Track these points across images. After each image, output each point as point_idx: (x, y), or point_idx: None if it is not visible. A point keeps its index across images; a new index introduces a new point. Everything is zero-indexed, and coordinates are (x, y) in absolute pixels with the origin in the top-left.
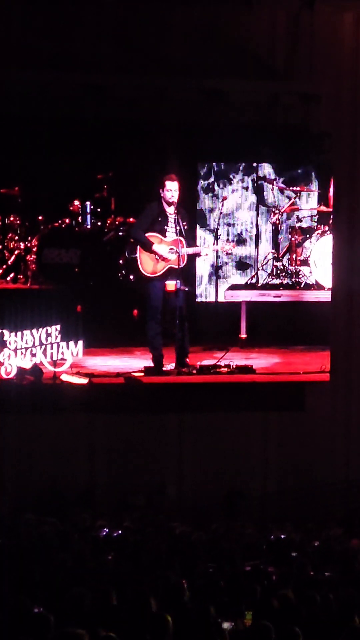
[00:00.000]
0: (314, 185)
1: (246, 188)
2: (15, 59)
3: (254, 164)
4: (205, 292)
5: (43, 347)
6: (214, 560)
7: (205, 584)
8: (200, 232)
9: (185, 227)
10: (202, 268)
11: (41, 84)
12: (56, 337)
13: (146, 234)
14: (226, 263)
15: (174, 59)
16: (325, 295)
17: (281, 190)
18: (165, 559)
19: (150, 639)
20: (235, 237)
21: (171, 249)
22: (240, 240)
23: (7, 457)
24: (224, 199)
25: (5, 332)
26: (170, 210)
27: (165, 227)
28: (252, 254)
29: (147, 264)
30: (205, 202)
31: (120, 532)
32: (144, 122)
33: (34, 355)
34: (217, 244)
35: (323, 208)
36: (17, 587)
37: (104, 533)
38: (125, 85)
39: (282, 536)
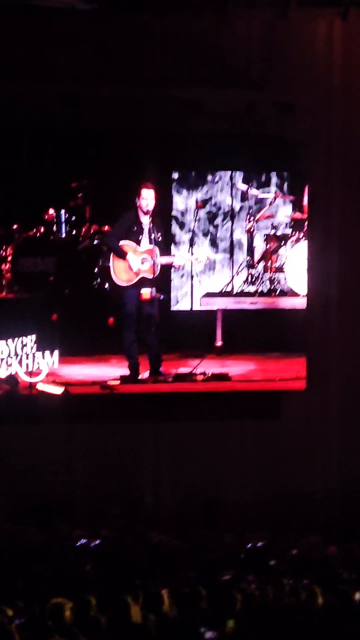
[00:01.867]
0: (286, 191)
1: (221, 195)
2: None
3: (230, 172)
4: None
5: (18, 357)
6: (193, 569)
7: (185, 593)
8: (177, 237)
9: (160, 237)
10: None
11: (16, 93)
12: (32, 347)
13: (120, 243)
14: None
15: (150, 69)
16: (300, 302)
17: (255, 197)
18: (145, 568)
19: None
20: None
21: (144, 258)
22: (214, 246)
23: None
24: (199, 206)
25: None
26: (145, 220)
27: (140, 237)
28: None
29: (120, 273)
30: (179, 209)
31: (98, 541)
32: (119, 132)
33: (9, 365)
34: (191, 253)
35: (298, 215)
36: None
37: (83, 542)
38: (101, 94)
39: (260, 544)
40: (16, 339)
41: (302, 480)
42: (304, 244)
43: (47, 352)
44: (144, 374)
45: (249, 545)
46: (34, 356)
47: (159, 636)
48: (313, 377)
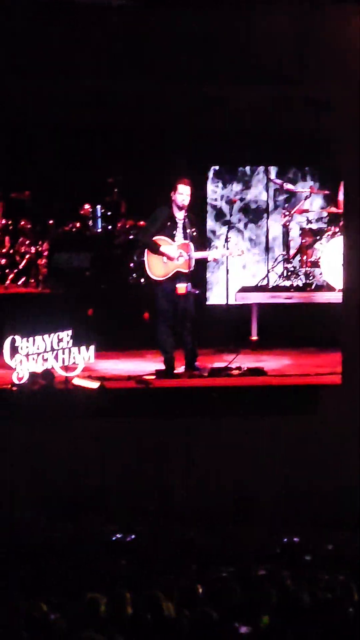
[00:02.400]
0: (321, 186)
1: (256, 190)
2: (26, 65)
3: (264, 167)
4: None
5: (55, 352)
6: (227, 565)
7: (219, 588)
8: (211, 232)
9: (195, 233)
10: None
11: (51, 89)
12: (68, 342)
13: (155, 238)
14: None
15: (184, 65)
16: (336, 297)
17: (290, 192)
18: (178, 563)
19: None
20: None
21: (179, 252)
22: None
23: (19, 462)
24: (234, 202)
25: (17, 337)
26: (180, 215)
27: (174, 232)
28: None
29: (155, 267)
30: (214, 204)
31: (132, 537)
32: (153, 127)
33: (45, 360)
34: (226, 247)
35: (333, 209)
36: (32, 593)
37: (117, 537)
38: (132, 92)
39: (295, 539)
40: (52, 334)
41: (336, 474)
42: (339, 239)
43: (83, 347)
44: (180, 369)
45: (284, 540)
46: (69, 350)
47: (193, 631)
48: (349, 372)
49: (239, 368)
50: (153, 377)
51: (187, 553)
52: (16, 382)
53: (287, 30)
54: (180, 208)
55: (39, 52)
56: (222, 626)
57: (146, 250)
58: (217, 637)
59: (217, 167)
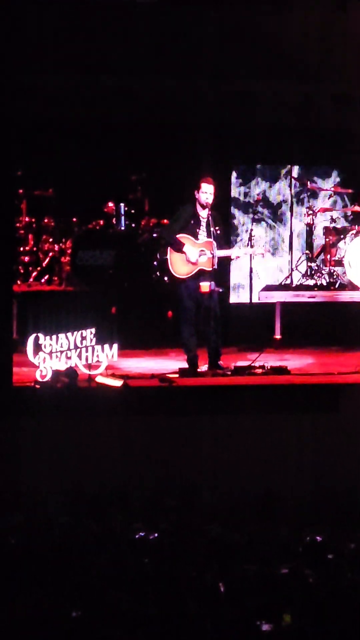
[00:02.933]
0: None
1: (280, 188)
2: (50, 62)
3: (288, 165)
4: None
5: (78, 350)
6: (251, 562)
7: (242, 586)
8: (235, 230)
9: (218, 231)
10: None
11: (74, 87)
12: (91, 340)
13: (178, 236)
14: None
15: (208, 62)
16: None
17: (314, 190)
18: (202, 561)
19: None
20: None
21: (202, 250)
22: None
23: (41, 460)
24: (258, 199)
25: (41, 335)
26: (204, 213)
27: (197, 230)
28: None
29: (177, 266)
30: (238, 202)
31: (156, 535)
32: (177, 124)
33: (69, 358)
34: (250, 246)
35: (357, 208)
36: (54, 591)
37: (140, 535)
38: (157, 88)
39: (318, 538)
40: (75, 332)
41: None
42: None
43: (106, 346)
44: (203, 367)
45: (307, 538)
46: (93, 349)
47: (215, 630)
48: None
49: (262, 367)
50: (176, 375)
51: (211, 551)
52: (39, 379)
53: (312, 27)
54: (203, 206)
55: (63, 49)
56: (244, 624)
57: (169, 248)
58: (239, 636)
59: (241, 165)
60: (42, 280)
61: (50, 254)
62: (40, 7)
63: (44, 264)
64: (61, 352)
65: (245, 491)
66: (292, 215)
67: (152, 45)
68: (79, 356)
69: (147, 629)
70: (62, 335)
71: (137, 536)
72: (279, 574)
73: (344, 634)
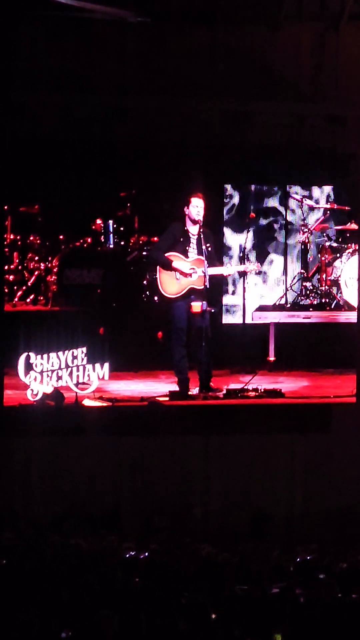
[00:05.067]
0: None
1: (274, 206)
2: (40, 80)
3: (282, 183)
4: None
5: (69, 369)
6: (242, 582)
7: (233, 605)
8: (227, 248)
9: (210, 249)
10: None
11: (65, 105)
12: (82, 359)
13: (167, 254)
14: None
15: (200, 81)
16: (356, 317)
17: (310, 208)
18: (193, 580)
19: None
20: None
21: (192, 268)
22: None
23: (32, 479)
24: (252, 217)
25: (32, 354)
26: (194, 230)
27: (187, 248)
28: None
29: (167, 285)
30: (230, 220)
31: (147, 554)
32: (168, 144)
33: (60, 378)
34: (244, 264)
35: (354, 226)
36: (44, 610)
37: (131, 555)
38: (149, 107)
39: (309, 557)
40: (66, 351)
41: (351, 493)
42: None
43: (97, 365)
44: (194, 390)
45: (298, 558)
46: (84, 368)
47: None
48: None
49: (255, 389)
50: (167, 398)
51: (201, 571)
52: (30, 399)
53: (305, 48)
54: (194, 222)
55: (52, 67)
56: None
57: (158, 267)
58: None
59: (232, 183)
60: (28, 300)
61: (36, 272)
62: (31, 25)
63: (29, 283)
64: (52, 371)
65: (236, 510)
66: (286, 233)
67: (143, 63)
68: (70, 375)
69: None
70: (53, 355)
71: (127, 555)
72: (270, 594)
73: None
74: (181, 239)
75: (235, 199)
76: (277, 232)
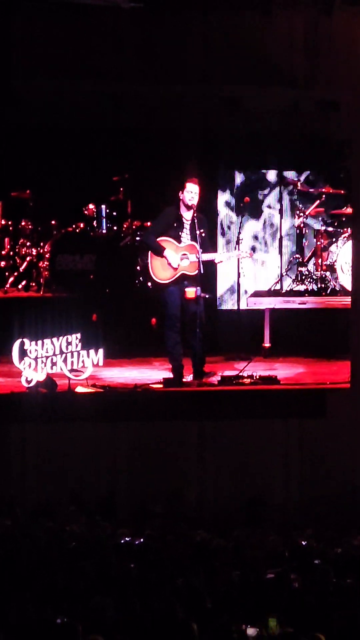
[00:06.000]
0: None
1: (269, 190)
2: (34, 68)
3: (277, 167)
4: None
5: (64, 355)
6: (237, 568)
7: (228, 591)
8: (222, 234)
9: (203, 234)
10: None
11: (59, 92)
12: (76, 345)
13: (159, 239)
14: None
15: (193, 67)
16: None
17: (305, 192)
18: (188, 566)
19: None
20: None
21: (184, 254)
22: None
23: (26, 466)
24: (246, 201)
25: (26, 340)
26: (188, 216)
27: (180, 233)
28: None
29: (158, 270)
30: (224, 205)
31: (141, 540)
32: (162, 129)
33: (54, 364)
34: (238, 249)
35: (350, 210)
36: (39, 597)
37: (126, 541)
38: (143, 93)
39: (304, 543)
40: (61, 337)
41: (346, 478)
42: None
43: (92, 351)
44: (188, 377)
45: (293, 543)
46: (78, 354)
47: (201, 634)
48: (358, 376)
49: (250, 376)
50: (161, 385)
51: (196, 556)
52: (25, 385)
53: (298, 33)
54: (188, 207)
55: (45, 53)
56: (230, 629)
57: (150, 252)
58: (226, 639)
59: (226, 169)
60: (20, 286)
61: (28, 258)
62: (25, 12)
63: (21, 269)
64: (46, 357)
65: (231, 496)
66: (281, 218)
67: (137, 50)
68: (65, 362)
69: (133, 635)
70: (47, 341)
71: (122, 541)
72: (265, 579)
73: (330, 637)
74: (174, 224)
75: (230, 183)
76: (272, 217)
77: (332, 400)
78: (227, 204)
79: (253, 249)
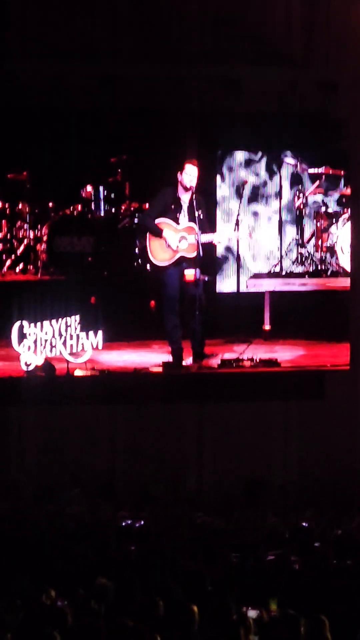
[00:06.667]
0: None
1: (268, 171)
2: (29, 49)
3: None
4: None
5: (63, 338)
6: (237, 550)
7: (228, 573)
8: (221, 215)
9: (202, 216)
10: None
11: (56, 73)
12: (76, 327)
13: (157, 221)
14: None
15: (189, 48)
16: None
17: (305, 172)
18: (188, 548)
19: (176, 629)
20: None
21: (182, 236)
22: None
23: (27, 449)
24: (245, 182)
25: (25, 323)
26: (186, 198)
27: (178, 215)
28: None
29: (157, 252)
30: (223, 186)
31: (141, 522)
32: (159, 111)
33: (53, 347)
34: (237, 230)
35: (349, 191)
36: (40, 579)
37: (126, 524)
38: (140, 74)
39: (304, 525)
40: (60, 319)
41: (345, 459)
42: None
43: (91, 333)
44: (188, 360)
45: (293, 525)
46: (78, 337)
47: (202, 616)
48: (358, 357)
49: (251, 359)
50: (160, 369)
51: (196, 539)
52: (24, 368)
53: (296, 13)
54: (186, 189)
55: (42, 34)
56: (231, 611)
57: (148, 234)
58: (226, 622)
59: (224, 149)
60: (17, 269)
61: (25, 241)
62: None
63: (18, 252)
64: (46, 340)
65: (231, 478)
66: (281, 198)
67: (134, 30)
68: (64, 344)
69: (134, 617)
70: (46, 323)
71: (123, 524)
72: (265, 561)
73: (330, 619)
74: (172, 206)
75: (228, 164)
76: (271, 198)
77: (332, 382)
78: (225, 185)
79: (251, 230)
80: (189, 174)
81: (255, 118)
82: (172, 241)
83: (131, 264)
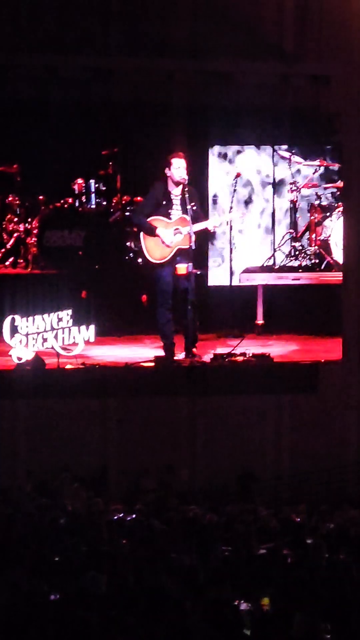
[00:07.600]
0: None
1: (261, 164)
2: (22, 42)
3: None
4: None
5: (55, 332)
6: (229, 543)
7: (221, 566)
8: (213, 208)
9: (194, 207)
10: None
11: (46, 67)
12: (68, 321)
13: (149, 218)
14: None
15: (182, 41)
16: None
17: (299, 165)
18: (180, 542)
19: (169, 622)
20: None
21: (176, 229)
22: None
23: (19, 442)
24: (238, 175)
25: (17, 317)
26: (176, 191)
27: (170, 210)
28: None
29: (153, 251)
30: (216, 180)
31: (134, 516)
32: (151, 104)
33: (45, 340)
34: (230, 212)
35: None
36: (32, 572)
37: (118, 517)
38: (132, 67)
39: (297, 519)
40: (52, 313)
41: (338, 453)
42: None
43: (82, 327)
44: (180, 355)
45: (285, 519)
46: (69, 330)
47: (195, 610)
48: (350, 351)
49: (243, 354)
50: (152, 364)
51: (189, 532)
52: (16, 361)
53: (287, 8)
54: (176, 183)
55: (34, 28)
56: (223, 604)
57: (142, 233)
58: (218, 615)
59: (216, 143)
60: (7, 263)
61: (15, 234)
62: None
63: (8, 245)
64: (38, 334)
65: (223, 471)
66: (274, 191)
67: (126, 24)
68: (56, 338)
69: (126, 611)
70: (38, 317)
71: (115, 517)
72: (258, 555)
73: (322, 612)
74: (163, 202)
75: (221, 157)
76: (265, 191)
77: (324, 376)
78: (218, 178)
79: (244, 213)
80: (177, 168)
81: (249, 111)
82: (167, 237)
83: (123, 258)
